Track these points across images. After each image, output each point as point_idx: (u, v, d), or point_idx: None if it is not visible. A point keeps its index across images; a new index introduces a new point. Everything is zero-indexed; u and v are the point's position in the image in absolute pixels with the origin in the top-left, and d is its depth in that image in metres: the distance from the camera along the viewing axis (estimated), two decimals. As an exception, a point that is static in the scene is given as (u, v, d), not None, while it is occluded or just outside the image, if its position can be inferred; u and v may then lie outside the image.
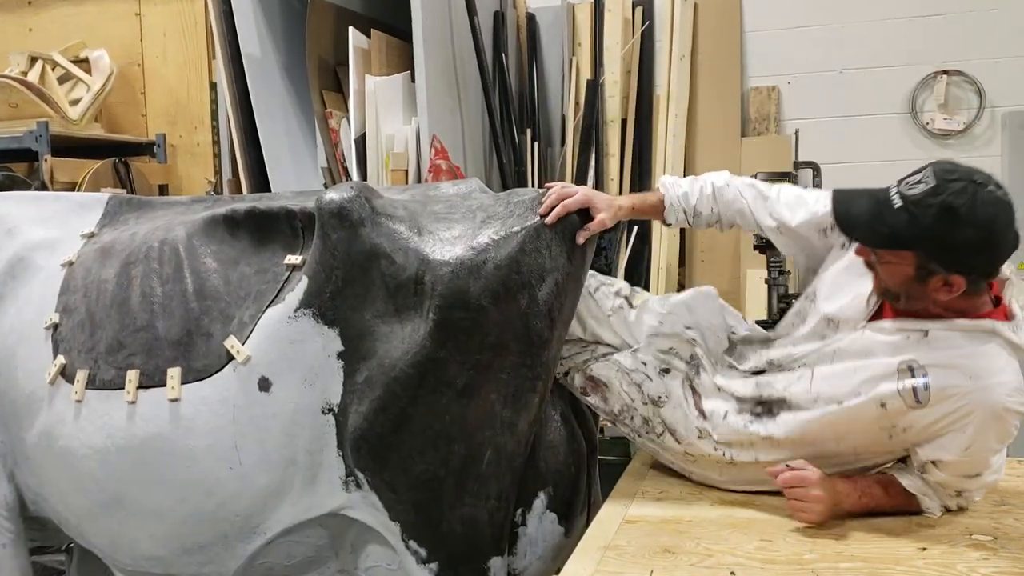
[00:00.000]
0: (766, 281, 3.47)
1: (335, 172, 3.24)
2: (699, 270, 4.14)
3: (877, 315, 1.65)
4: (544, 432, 1.89)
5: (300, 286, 1.83)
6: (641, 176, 4.17)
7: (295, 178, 3.45)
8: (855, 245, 1.62)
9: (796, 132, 3.86)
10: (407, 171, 3.28)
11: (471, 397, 1.75)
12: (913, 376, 1.52)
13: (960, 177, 1.45)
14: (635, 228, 4.09)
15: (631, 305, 1.90)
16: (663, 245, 4.07)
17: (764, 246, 3.27)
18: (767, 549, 1.45)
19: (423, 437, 1.76)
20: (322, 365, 1.82)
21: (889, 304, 1.62)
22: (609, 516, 1.64)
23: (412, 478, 1.77)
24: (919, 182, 1.48)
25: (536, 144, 4.12)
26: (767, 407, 1.69)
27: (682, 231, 4.12)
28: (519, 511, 1.86)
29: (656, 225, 4.16)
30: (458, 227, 1.83)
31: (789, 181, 3.25)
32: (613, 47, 4.15)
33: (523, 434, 1.80)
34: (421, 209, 1.91)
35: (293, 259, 1.89)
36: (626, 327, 1.88)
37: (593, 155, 4.11)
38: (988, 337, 1.51)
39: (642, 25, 4.14)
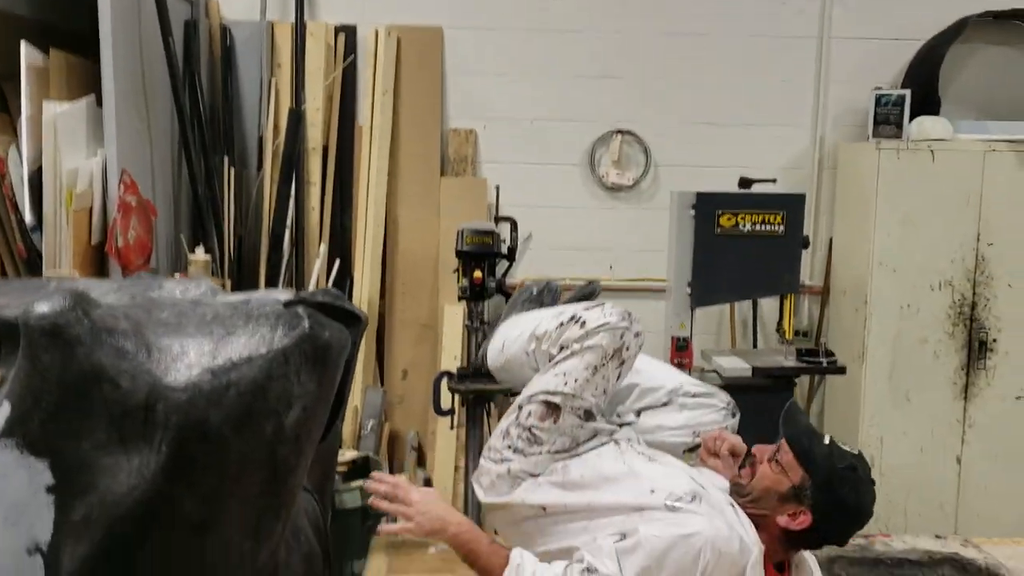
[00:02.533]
0: (465, 326, 3.63)
1: (2, 210, 2.82)
2: (400, 303, 4.21)
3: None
4: (282, 554, 1.83)
5: (0, 412, 1.59)
6: (343, 206, 4.14)
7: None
8: None
9: (497, 188, 4.05)
10: (92, 209, 2.96)
11: (208, 532, 1.65)
12: (681, 500, 1.72)
13: (866, 463, 1.80)
14: (336, 261, 4.06)
15: None
16: (365, 278, 4.08)
17: (469, 297, 3.43)
18: None
19: (153, 578, 1.63)
20: (28, 501, 1.60)
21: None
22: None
23: (139, 621, 1.63)
24: (845, 444, 1.78)
25: (232, 169, 3.91)
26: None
27: (383, 262, 4.16)
28: (254, 636, 1.80)
29: (358, 257, 4.16)
30: (193, 344, 1.70)
31: (491, 237, 3.43)
32: (315, 72, 4.05)
33: (263, 564, 1.73)
34: (146, 318, 1.74)
35: (-13, 377, 1.63)
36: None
37: (294, 184, 3.99)
38: (744, 541, 1.70)
39: (345, 58, 4.08)
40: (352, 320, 1.94)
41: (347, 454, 3.60)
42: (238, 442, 1.64)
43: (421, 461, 4.25)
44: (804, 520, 1.75)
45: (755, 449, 1.85)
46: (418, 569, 1.94)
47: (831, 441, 1.77)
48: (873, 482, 1.78)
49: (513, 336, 2.05)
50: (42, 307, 1.60)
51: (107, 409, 1.61)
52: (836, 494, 1.73)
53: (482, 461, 1.96)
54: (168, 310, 1.79)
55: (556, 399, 1.87)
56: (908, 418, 3.95)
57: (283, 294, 1.84)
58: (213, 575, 1.65)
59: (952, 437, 3.97)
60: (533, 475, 1.86)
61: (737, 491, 1.81)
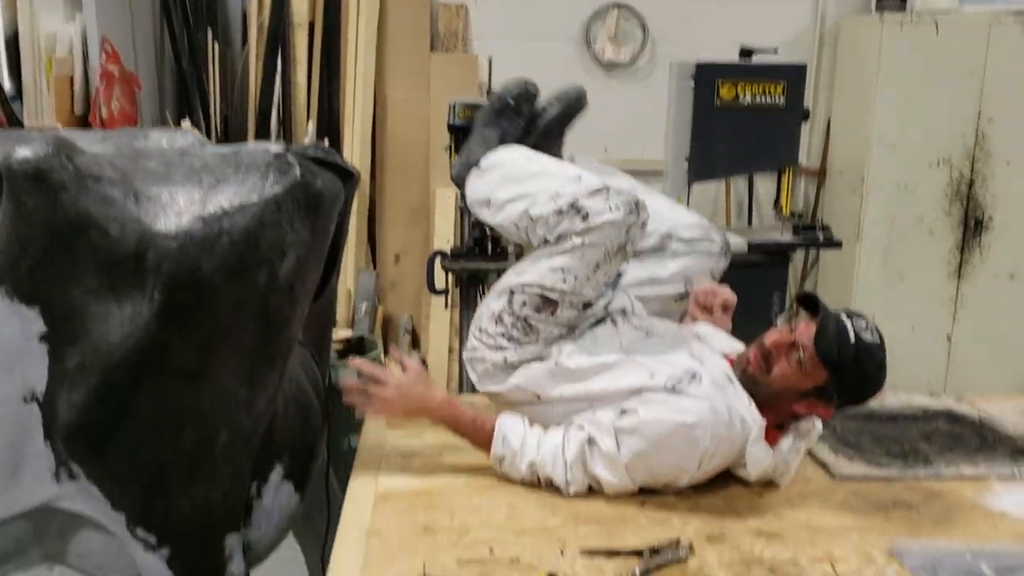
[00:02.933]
0: (459, 207, 3.58)
1: (-21, 76, 2.73)
2: (390, 185, 4.15)
3: None
4: (279, 404, 1.83)
5: (-13, 259, 1.56)
6: (330, 85, 4.03)
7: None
8: None
9: (490, 60, 3.93)
10: (73, 78, 2.87)
11: (203, 380, 1.64)
12: (682, 382, 1.68)
13: (884, 341, 1.67)
14: (325, 141, 3.97)
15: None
16: (354, 159, 4.00)
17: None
18: (515, 517, 1.57)
19: (149, 425, 1.62)
20: (21, 349, 1.59)
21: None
22: (361, 493, 1.66)
23: (138, 467, 1.64)
24: (867, 328, 1.64)
25: (216, 44, 3.78)
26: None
27: (372, 143, 4.08)
28: (254, 484, 1.82)
29: (347, 137, 4.07)
30: (182, 192, 1.66)
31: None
32: (299, -58, 3.88)
33: (260, 413, 1.73)
34: (133, 167, 1.70)
35: (-28, 224, 1.59)
36: None
37: (279, 61, 3.87)
38: (745, 420, 1.66)
39: (332, -76, 3.90)
40: (344, 175, 1.89)
41: (341, 333, 3.61)
42: (231, 290, 1.61)
43: (415, 344, 4.27)
44: (824, 413, 1.72)
45: (770, 344, 1.70)
46: (418, 424, 1.94)
47: (857, 338, 1.61)
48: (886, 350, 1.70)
49: (500, 198, 1.87)
50: (24, 151, 1.55)
51: (96, 257, 1.59)
52: (861, 391, 1.69)
53: (474, 341, 1.88)
54: (155, 159, 1.75)
55: (554, 295, 1.79)
56: (901, 297, 3.96)
57: (273, 146, 1.79)
58: (205, 422, 1.65)
59: (944, 316, 4.00)
60: (527, 362, 1.83)
61: (749, 384, 1.72)
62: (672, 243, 1.99)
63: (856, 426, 2.02)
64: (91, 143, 1.76)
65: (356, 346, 3.55)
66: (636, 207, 1.76)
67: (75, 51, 2.83)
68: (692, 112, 3.28)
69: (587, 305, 1.84)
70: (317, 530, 2.17)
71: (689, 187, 3.40)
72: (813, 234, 3.43)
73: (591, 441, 1.66)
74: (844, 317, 1.66)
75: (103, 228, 1.58)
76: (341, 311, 3.94)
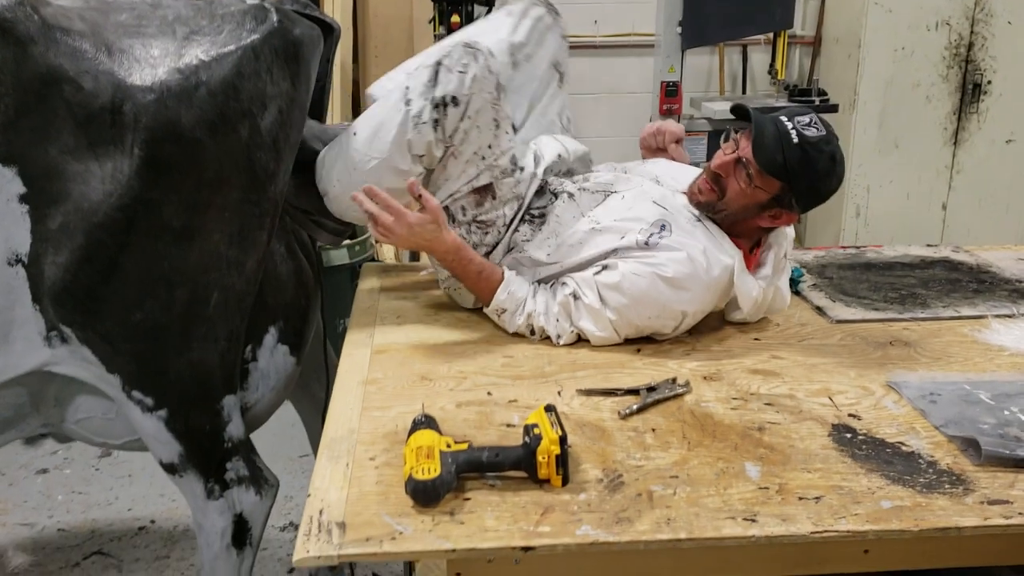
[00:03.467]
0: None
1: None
2: (374, 68, 4.03)
3: None
4: (271, 266, 1.81)
5: (-43, 117, 1.51)
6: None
7: None
8: None
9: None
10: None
11: (192, 239, 1.61)
12: (653, 235, 1.65)
13: (832, 130, 1.60)
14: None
15: None
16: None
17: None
18: (512, 365, 1.57)
19: (140, 285, 1.60)
20: (1, 211, 1.55)
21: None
22: (357, 349, 1.65)
23: (130, 328, 1.62)
24: (810, 124, 1.57)
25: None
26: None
27: (354, 22, 3.95)
28: (249, 347, 1.81)
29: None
30: (156, 44, 1.59)
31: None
32: None
33: (251, 273, 1.71)
34: (103, 20, 1.63)
35: (-61, 82, 1.53)
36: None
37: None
38: (722, 261, 1.64)
39: None
40: (324, 28, 1.82)
41: (332, 217, 3.56)
42: (213, 145, 1.57)
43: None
44: (789, 219, 1.69)
45: (716, 167, 1.66)
46: (410, 287, 1.93)
47: (800, 136, 1.55)
48: (837, 138, 1.64)
49: (377, 169, 1.73)
50: (-16, 1, 1.48)
51: (71, 112, 1.53)
52: (818, 188, 1.63)
53: (444, 270, 1.81)
54: (126, 12, 1.67)
55: (482, 180, 1.73)
56: (896, 165, 3.92)
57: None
58: (196, 282, 1.63)
59: (939, 183, 3.96)
60: (499, 258, 1.80)
61: (708, 211, 1.69)
62: (518, 53, 1.95)
63: (853, 275, 2.01)
64: (56, -3, 1.69)
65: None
66: (472, 47, 1.69)
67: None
68: (684, -27, 3.16)
69: (514, 161, 1.77)
70: (316, 398, 2.18)
71: (682, 55, 3.30)
72: (808, 99, 3.36)
73: (575, 295, 1.66)
74: (784, 119, 1.60)
75: (76, 82, 1.52)
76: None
